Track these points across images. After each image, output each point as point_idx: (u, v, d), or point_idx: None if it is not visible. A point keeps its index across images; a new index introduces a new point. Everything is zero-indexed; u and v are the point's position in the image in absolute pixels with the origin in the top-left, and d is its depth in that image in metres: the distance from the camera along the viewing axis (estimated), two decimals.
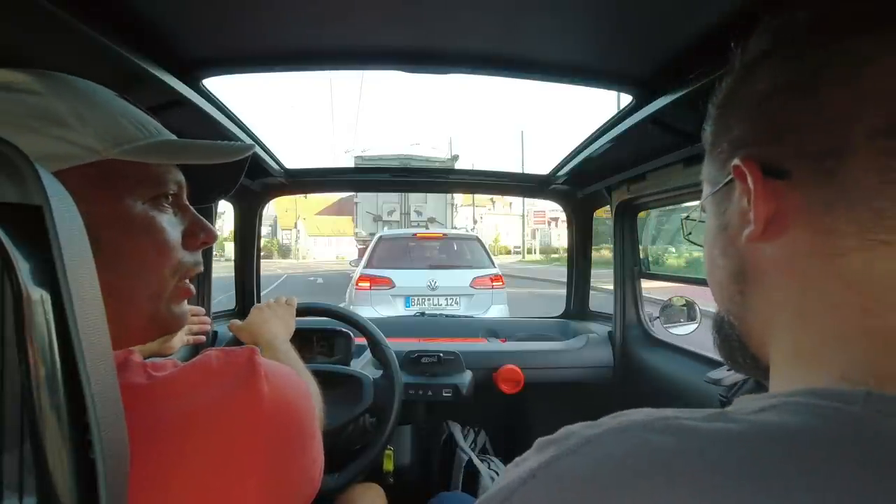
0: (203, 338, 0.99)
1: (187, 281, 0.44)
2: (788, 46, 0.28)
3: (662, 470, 0.21)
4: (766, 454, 0.21)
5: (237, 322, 0.97)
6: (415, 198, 9.24)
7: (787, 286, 0.28)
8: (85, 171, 0.36)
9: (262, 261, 1.76)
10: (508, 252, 29.77)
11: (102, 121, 0.38)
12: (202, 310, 1.03)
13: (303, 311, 1.11)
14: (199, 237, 0.44)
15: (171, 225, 0.41)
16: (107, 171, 0.37)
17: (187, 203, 0.44)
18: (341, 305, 1.41)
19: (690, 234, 0.43)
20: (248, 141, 1.06)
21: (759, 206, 0.28)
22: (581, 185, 1.57)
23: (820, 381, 0.25)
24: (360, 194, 9.54)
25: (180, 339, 0.90)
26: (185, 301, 0.45)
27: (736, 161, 0.29)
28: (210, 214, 1.34)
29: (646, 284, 1.49)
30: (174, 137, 0.43)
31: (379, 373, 1.21)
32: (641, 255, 1.47)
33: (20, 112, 0.35)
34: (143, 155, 0.39)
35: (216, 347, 0.41)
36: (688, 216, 0.43)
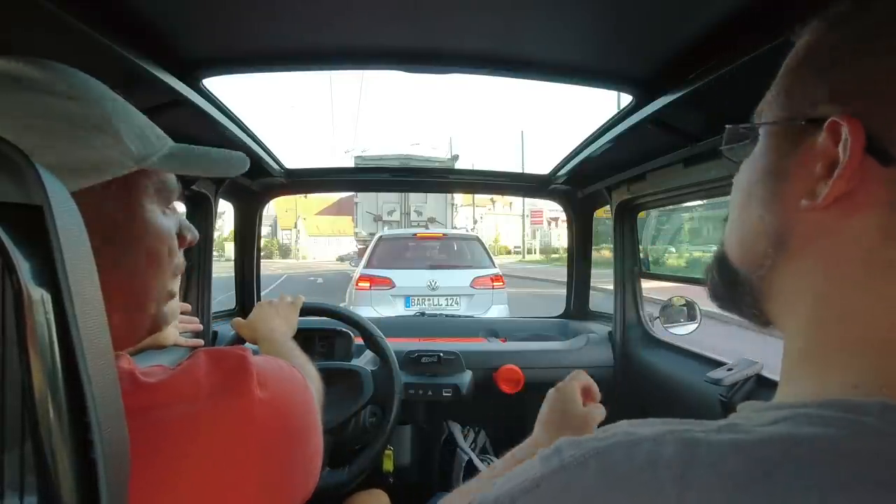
0: (201, 341, 0.99)
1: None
2: None
3: (674, 484, 0.20)
4: (779, 467, 0.20)
5: (239, 319, 0.98)
6: (415, 198, 9.23)
7: (823, 274, 0.25)
8: (117, 180, 0.37)
9: (262, 261, 1.76)
10: (508, 252, 29.75)
11: (133, 130, 0.39)
12: (188, 306, 1.03)
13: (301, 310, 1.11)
14: (187, 238, 0.46)
15: (172, 228, 0.43)
16: (133, 180, 0.38)
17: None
18: (341, 305, 1.41)
19: (732, 149, 0.33)
20: (248, 141, 1.06)
21: (843, 181, 0.23)
22: (581, 185, 1.57)
23: (832, 390, 0.24)
24: (360, 194, 9.54)
25: (174, 334, 0.89)
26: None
27: (833, 116, 0.24)
28: (210, 214, 1.34)
29: (646, 284, 1.49)
30: (175, 144, 0.44)
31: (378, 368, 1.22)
32: (641, 256, 1.47)
33: (67, 120, 0.35)
34: (166, 165, 0.40)
35: (207, 348, 0.40)
36: (743, 127, 0.32)
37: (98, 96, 0.37)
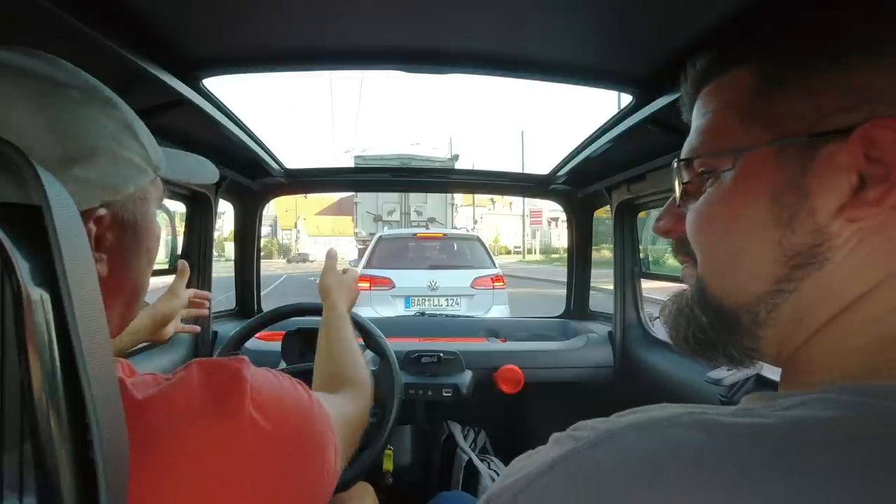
0: (197, 328, 0.99)
1: None
2: None
3: (690, 466, 0.20)
4: (799, 449, 0.20)
5: (335, 265, 0.93)
6: (415, 198, 9.24)
7: (872, 271, 0.25)
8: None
9: (262, 261, 1.76)
10: (508, 252, 29.78)
11: (148, 138, 0.40)
12: (205, 294, 1.02)
13: (295, 311, 1.15)
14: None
15: None
16: (149, 187, 0.40)
17: None
18: None
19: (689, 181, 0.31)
20: (248, 141, 1.06)
21: None
22: (581, 185, 1.58)
23: (855, 376, 0.24)
24: (360, 194, 9.56)
25: (174, 327, 0.90)
26: None
27: (863, 125, 0.24)
28: (210, 214, 1.34)
29: (646, 284, 1.49)
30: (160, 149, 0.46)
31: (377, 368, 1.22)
32: (641, 256, 1.47)
33: (112, 128, 0.36)
34: (169, 172, 0.43)
35: (202, 359, 0.38)
36: (701, 159, 0.30)
37: (118, 100, 0.38)
